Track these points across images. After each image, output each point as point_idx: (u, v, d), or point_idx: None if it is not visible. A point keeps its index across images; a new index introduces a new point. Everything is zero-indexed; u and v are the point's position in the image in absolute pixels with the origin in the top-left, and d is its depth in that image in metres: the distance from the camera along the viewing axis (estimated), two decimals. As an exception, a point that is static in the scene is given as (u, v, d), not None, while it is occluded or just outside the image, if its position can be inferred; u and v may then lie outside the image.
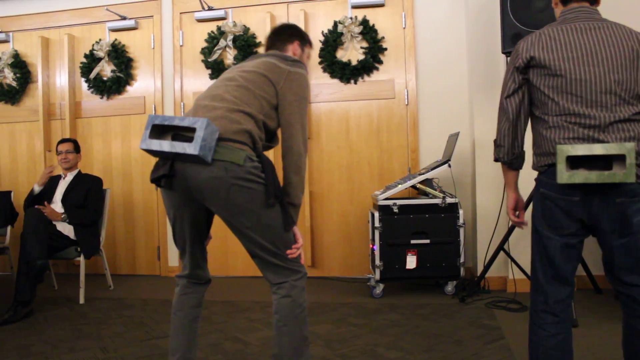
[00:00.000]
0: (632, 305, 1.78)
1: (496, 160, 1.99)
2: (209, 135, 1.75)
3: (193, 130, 1.75)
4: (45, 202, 4.02)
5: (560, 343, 1.81)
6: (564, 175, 1.66)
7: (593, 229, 1.77)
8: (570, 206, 1.73)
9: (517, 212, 2.04)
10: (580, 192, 1.70)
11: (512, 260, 3.74)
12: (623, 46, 1.73)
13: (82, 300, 3.95)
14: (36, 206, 3.94)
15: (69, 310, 3.75)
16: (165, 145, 1.77)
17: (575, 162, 1.67)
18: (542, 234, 1.83)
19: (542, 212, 1.82)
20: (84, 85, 5.17)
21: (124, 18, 5.02)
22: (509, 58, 1.93)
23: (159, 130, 1.82)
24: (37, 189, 4.15)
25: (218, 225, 2.13)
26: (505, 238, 3.70)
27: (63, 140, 4.35)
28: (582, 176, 1.65)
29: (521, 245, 3.86)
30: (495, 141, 1.97)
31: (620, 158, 1.62)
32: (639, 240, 1.72)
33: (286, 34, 2.23)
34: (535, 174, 1.91)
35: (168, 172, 1.81)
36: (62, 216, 4.00)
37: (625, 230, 1.71)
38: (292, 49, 2.22)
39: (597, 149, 1.64)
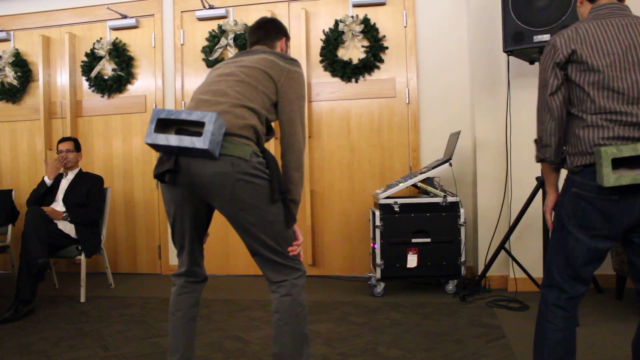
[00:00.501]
0: None
1: (541, 160, 1.91)
2: (217, 130, 1.73)
3: (201, 124, 1.73)
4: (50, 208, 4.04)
5: (567, 339, 1.82)
6: (611, 178, 1.60)
7: (630, 230, 1.73)
8: (610, 206, 1.69)
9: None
10: (620, 191, 1.66)
11: (513, 259, 3.74)
12: None
13: (83, 299, 3.95)
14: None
15: (70, 309, 3.75)
16: (173, 139, 1.74)
17: (616, 162, 1.63)
18: (570, 233, 1.78)
19: (574, 212, 1.77)
20: (85, 84, 5.17)
21: (124, 17, 5.01)
22: (543, 54, 1.86)
23: (163, 124, 1.80)
24: (48, 181, 4.14)
25: (219, 224, 2.13)
26: (506, 237, 3.69)
27: (63, 139, 4.34)
28: (629, 177, 1.60)
29: (522, 244, 3.86)
30: (538, 141, 1.90)
31: None
32: None
33: (273, 31, 2.23)
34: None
35: (173, 167, 1.80)
36: (64, 215, 4.00)
37: None
38: (280, 46, 2.23)
39: None
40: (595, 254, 1.77)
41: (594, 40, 1.73)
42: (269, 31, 2.22)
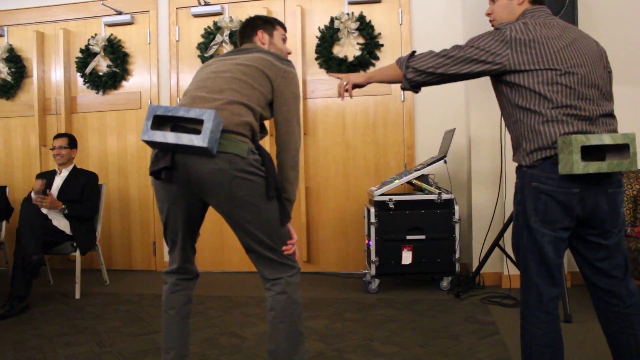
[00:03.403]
0: (612, 301, 1.82)
1: (399, 68, 1.99)
2: (215, 127, 1.72)
3: (197, 121, 1.73)
4: (48, 191, 3.98)
5: (553, 340, 1.82)
6: (580, 165, 1.63)
7: (584, 222, 1.77)
8: (570, 198, 1.72)
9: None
10: (580, 184, 1.70)
11: (507, 256, 3.76)
12: (592, 46, 1.81)
13: (77, 296, 3.95)
14: (34, 196, 3.88)
15: (64, 306, 3.75)
16: (170, 137, 1.73)
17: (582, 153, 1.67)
18: (534, 230, 1.79)
19: (535, 207, 1.78)
20: (80, 80, 5.15)
21: (119, 13, 5.00)
22: (483, 35, 1.86)
23: (159, 121, 1.78)
24: (33, 196, 4.07)
25: (214, 221, 2.14)
26: (500, 234, 3.71)
27: (58, 135, 4.34)
28: (595, 166, 1.65)
29: (516, 241, 3.87)
30: (414, 62, 1.95)
31: (625, 147, 1.66)
32: (623, 230, 1.80)
33: (248, 28, 2.25)
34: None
35: (169, 164, 1.80)
36: (62, 206, 3.97)
37: (615, 221, 1.76)
38: (259, 40, 2.22)
39: (607, 139, 1.65)
40: (561, 243, 1.79)
41: (544, 36, 1.75)
42: (246, 31, 2.25)
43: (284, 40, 2.31)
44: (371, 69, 4.59)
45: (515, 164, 1.89)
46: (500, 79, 1.84)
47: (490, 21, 2.01)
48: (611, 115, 1.80)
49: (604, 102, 1.77)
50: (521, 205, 1.83)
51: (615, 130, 1.75)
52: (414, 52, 1.99)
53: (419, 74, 1.92)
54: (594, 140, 1.65)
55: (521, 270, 1.89)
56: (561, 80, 1.72)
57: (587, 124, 1.72)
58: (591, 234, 1.78)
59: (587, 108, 1.72)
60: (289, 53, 2.33)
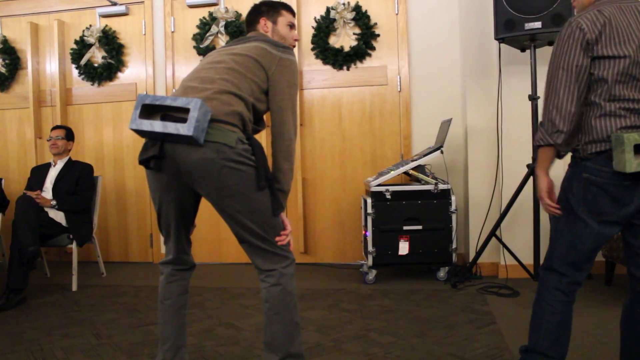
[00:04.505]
0: None
1: (547, 145, 1.83)
2: (202, 116, 1.72)
3: (186, 110, 1.72)
4: (38, 191, 4.00)
5: (563, 322, 1.86)
6: (633, 164, 1.63)
7: (633, 216, 1.76)
8: (621, 191, 1.72)
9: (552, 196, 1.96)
10: (633, 177, 1.70)
11: (504, 246, 3.77)
12: None
13: (74, 288, 3.94)
14: (26, 193, 3.90)
15: (61, 298, 3.74)
16: (157, 125, 1.73)
17: (636, 150, 1.65)
18: (579, 218, 1.80)
19: (585, 197, 1.78)
20: (75, 72, 5.12)
21: (114, 4, 4.96)
22: (564, 35, 1.77)
23: (149, 110, 1.78)
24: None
25: (211, 212, 2.13)
26: (497, 224, 3.72)
27: (57, 127, 4.34)
28: None
29: (513, 231, 3.88)
30: (548, 125, 1.80)
31: None
32: None
33: (251, 16, 2.23)
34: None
35: (158, 153, 1.79)
36: (52, 202, 3.97)
37: None
38: (261, 28, 2.19)
39: None
40: (602, 238, 1.80)
41: (617, 25, 1.70)
42: (248, 19, 2.24)
43: (292, 26, 2.24)
44: (367, 59, 4.58)
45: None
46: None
47: (572, 2, 1.94)
48: None
49: None
50: (569, 194, 1.83)
51: None
52: (541, 123, 1.86)
53: (565, 127, 1.78)
54: None
55: (548, 251, 1.92)
56: (631, 71, 1.69)
57: None
58: (638, 218, 1.77)
59: None
60: (296, 40, 2.28)
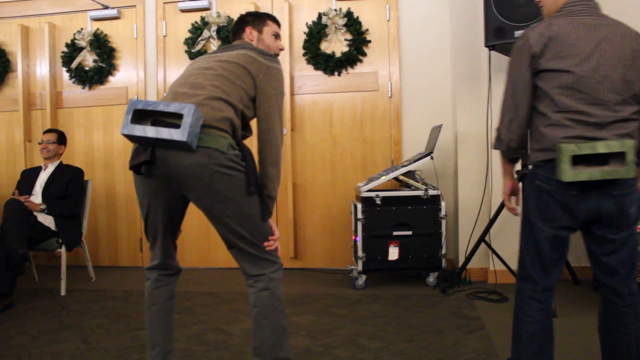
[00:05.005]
0: (613, 298, 1.85)
1: (496, 149, 1.96)
2: (195, 122, 1.72)
3: (177, 116, 1.72)
4: (27, 196, 3.98)
5: (542, 330, 1.88)
6: (569, 174, 1.68)
7: (589, 222, 1.80)
8: (569, 200, 1.76)
9: (513, 198, 2.09)
10: (579, 187, 1.73)
11: (493, 251, 3.79)
12: (625, 45, 1.75)
13: (63, 292, 3.92)
14: (15, 196, 3.88)
15: (50, 302, 3.72)
16: (150, 130, 1.73)
17: (575, 159, 1.69)
18: (534, 225, 1.85)
19: (537, 204, 1.84)
20: (65, 75, 5.10)
21: (106, 7, 4.95)
22: (515, 48, 1.85)
23: (140, 115, 1.78)
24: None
25: (200, 217, 2.12)
26: (487, 230, 3.74)
27: (49, 130, 4.34)
28: (586, 174, 1.68)
29: (502, 237, 3.90)
30: (497, 133, 1.91)
31: (620, 155, 1.67)
32: (633, 230, 1.79)
33: (237, 25, 2.26)
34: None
35: (149, 158, 1.79)
36: (42, 207, 3.95)
37: (623, 222, 1.77)
38: (247, 36, 2.22)
39: (601, 148, 1.67)
40: (559, 241, 1.83)
41: (563, 40, 1.74)
42: (235, 29, 2.27)
43: (277, 36, 2.29)
44: (358, 64, 4.60)
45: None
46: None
47: (540, 6, 1.98)
48: (628, 119, 1.74)
49: (624, 107, 1.73)
50: (526, 201, 1.91)
51: (628, 135, 1.72)
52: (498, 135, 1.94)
53: (507, 136, 1.89)
54: (586, 149, 1.67)
55: (520, 260, 1.96)
56: (574, 84, 1.72)
57: (595, 130, 1.71)
58: (598, 228, 1.80)
59: (598, 114, 1.71)
60: (281, 49, 2.31)
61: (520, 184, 2.08)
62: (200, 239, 4.78)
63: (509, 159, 1.98)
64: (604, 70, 1.72)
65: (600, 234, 1.81)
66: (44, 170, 4.22)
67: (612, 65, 1.73)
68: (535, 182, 1.84)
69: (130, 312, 3.43)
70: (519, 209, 2.04)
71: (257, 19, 2.26)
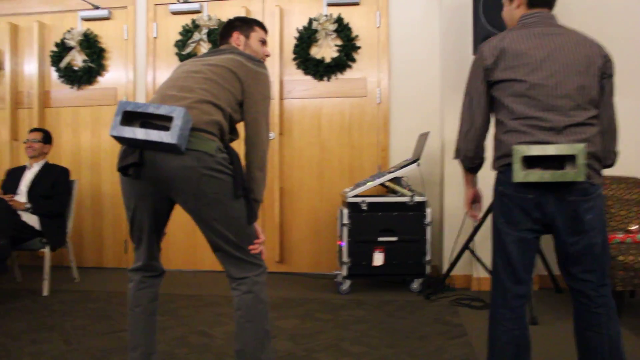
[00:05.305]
0: (583, 300, 1.87)
1: (455, 158, 2.06)
2: (185, 125, 1.73)
3: (167, 118, 1.73)
4: (11, 195, 3.96)
5: (516, 338, 1.88)
6: (520, 174, 1.73)
7: (548, 226, 1.83)
8: (526, 204, 1.80)
9: (474, 205, 2.16)
10: (535, 190, 1.77)
11: (477, 259, 3.81)
12: (579, 53, 1.81)
13: (46, 293, 3.89)
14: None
15: (32, 303, 3.69)
16: (139, 132, 1.73)
17: (531, 163, 1.74)
18: (500, 230, 1.89)
19: (501, 209, 1.89)
20: (54, 74, 5.08)
21: (96, 7, 4.94)
22: (473, 62, 1.96)
23: (129, 117, 1.78)
24: None
25: (187, 219, 2.13)
26: (471, 237, 3.76)
27: (34, 129, 4.31)
28: (537, 175, 1.73)
29: (486, 244, 3.92)
30: (457, 145, 2.02)
31: (571, 158, 1.70)
32: (592, 237, 1.80)
33: (225, 30, 2.28)
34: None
35: (138, 160, 1.79)
36: (26, 206, 3.93)
37: (578, 228, 1.79)
38: (234, 41, 2.24)
39: (550, 150, 1.71)
40: (526, 244, 1.87)
41: (514, 51, 1.81)
42: (222, 33, 2.29)
43: (263, 42, 2.31)
44: (348, 70, 4.62)
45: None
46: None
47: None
48: (584, 124, 1.77)
49: (578, 112, 1.77)
50: (493, 207, 1.96)
51: (585, 140, 1.75)
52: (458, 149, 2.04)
53: (464, 146, 1.99)
54: (536, 151, 1.72)
55: (492, 269, 1.99)
56: (527, 92, 1.78)
57: (551, 134, 1.75)
58: (558, 232, 1.84)
59: (552, 119, 1.76)
60: (267, 55, 2.33)
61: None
62: (185, 242, 4.77)
63: (467, 168, 2.04)
64: (557, 77, 1.77)
65: (561, 239, 1.84)
66: (29, 169, 4.20)
67: (565, 72, 1.78)
68: (498, 187, 1.89)
69: (113, 314, 3.41)
70: (480, 215, 2.17)
71: (245, 24, 2.28)
